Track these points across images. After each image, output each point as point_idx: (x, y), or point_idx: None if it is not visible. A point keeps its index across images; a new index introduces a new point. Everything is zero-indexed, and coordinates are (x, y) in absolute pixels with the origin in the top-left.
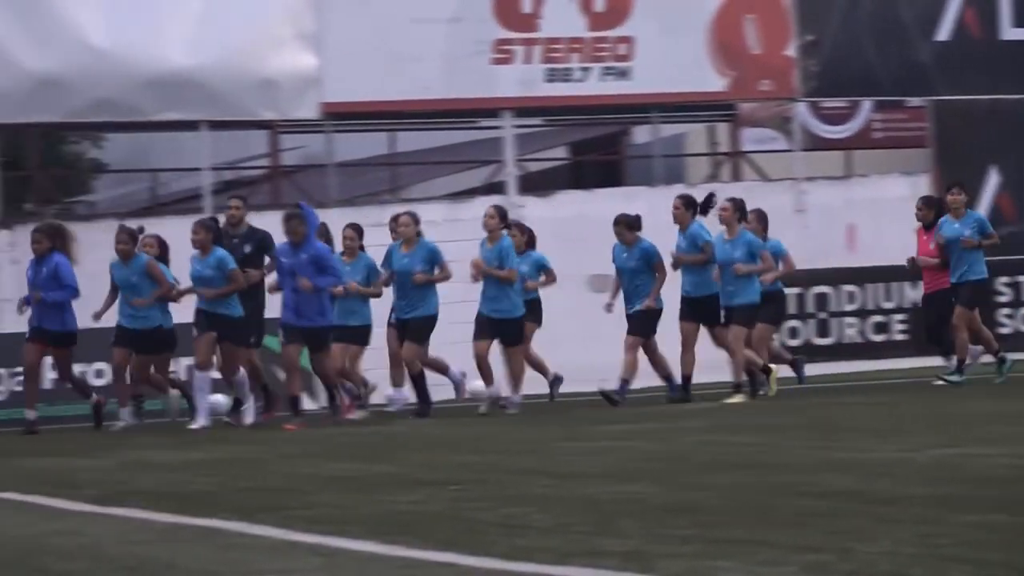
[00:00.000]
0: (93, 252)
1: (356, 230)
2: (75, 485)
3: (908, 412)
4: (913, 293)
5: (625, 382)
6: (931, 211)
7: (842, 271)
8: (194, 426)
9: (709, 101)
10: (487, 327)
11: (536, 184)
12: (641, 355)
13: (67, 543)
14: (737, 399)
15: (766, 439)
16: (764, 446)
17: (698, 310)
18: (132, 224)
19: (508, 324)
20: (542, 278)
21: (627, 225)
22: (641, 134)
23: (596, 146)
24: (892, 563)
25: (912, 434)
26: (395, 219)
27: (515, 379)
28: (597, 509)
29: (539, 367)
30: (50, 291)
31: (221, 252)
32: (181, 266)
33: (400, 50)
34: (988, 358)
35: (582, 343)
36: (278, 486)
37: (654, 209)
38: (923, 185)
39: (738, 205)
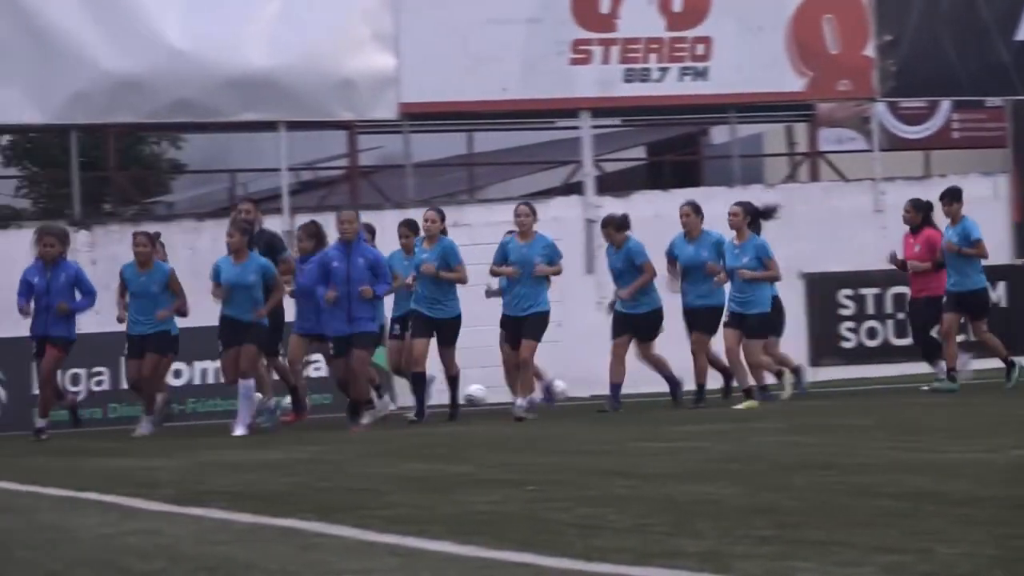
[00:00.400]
0: (171, 253)
1: (411, 228)
2: (154, 485)
3: (985, 413)
4: (993, 294)
5: (615, 387)
6: (919, 215)
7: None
8: (238, 432)
9: (787, 101)
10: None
11: (613, 184)
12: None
13: (145, 543)
14: (747, 404)
15: (843, 440)
16: (841, 447)
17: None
18: (150, 230)
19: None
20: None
21: (615, 226)
22: (719, 134)
23: (673, 146)
24: (971, 564)
25: (990, 435)
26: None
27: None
28: (674, 509)
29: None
30: (66, 298)
31: (263, 259)
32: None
33: (478, 50)
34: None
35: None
36: (356, 486)
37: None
38: (1003, 185)
39: (748, 209)
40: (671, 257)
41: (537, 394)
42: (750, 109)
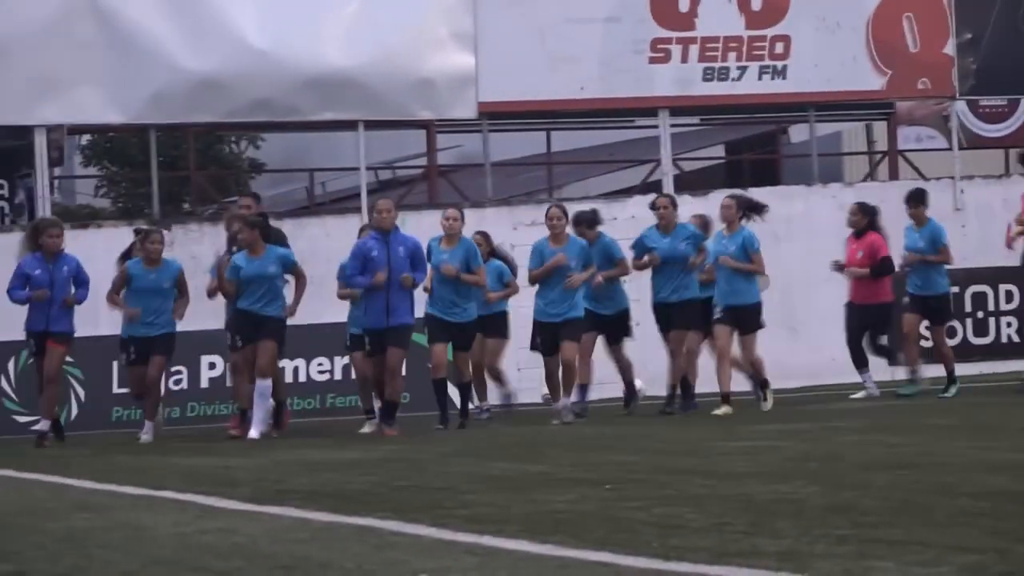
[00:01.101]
0: None
1: (484, 237)
2: (231, 484)
3: None
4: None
5: (583, 387)
6: (864, 218)
7: (1000, 270)
8: (253, 434)
9: (866, 100)
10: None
11: (692, 183)
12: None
13: (222, 542)
14: (768, 402)
15: (922, 439)
16: (921, 446)
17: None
18: (143, 226)
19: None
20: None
21: (587, 224)
22: (797, 133)
23: (752, 145)
24: None
25: None
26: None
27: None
28: (752, 508)
29: (498, 379)
30: (67, 291)
31: (281, 249)
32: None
33: (556, 49)
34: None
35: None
36: (433, 485)
37: (811, 209)
38: None
39: (741, 203)
40: (643, 250)
41: (494, 400)
42: (829, 108)
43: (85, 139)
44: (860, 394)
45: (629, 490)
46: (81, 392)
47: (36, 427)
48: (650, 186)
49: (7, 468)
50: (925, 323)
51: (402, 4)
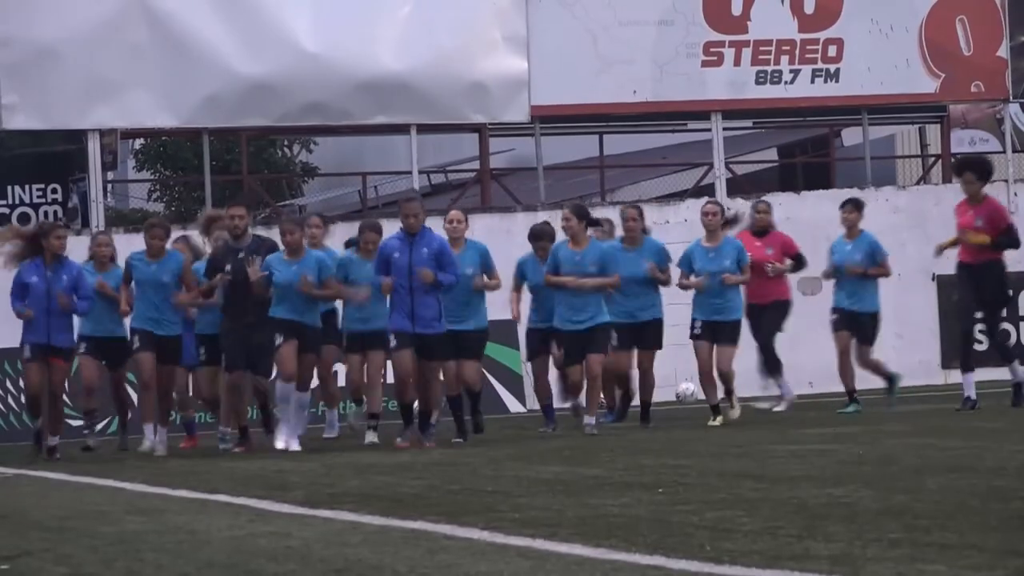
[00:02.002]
0: None
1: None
2: (284, 487)
3: None
4: None
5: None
6: (770, 216)
7: None
8: (280, 444)
9: (919, 103)
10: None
11: (745, 186)
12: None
13: (276, 545)
14: (781, 406)
15: (975, 443)
16: (974, 450)
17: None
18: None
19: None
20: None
21: (551, 239)
22: (850, 136)
23: (805, 148)
24: None
25: None
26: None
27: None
28: (805, 512)
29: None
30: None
31: (319, 253)
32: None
33: (609, 53)
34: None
35: (791, 345)
36: (486, 488)
37: (866, 212)
38: None
39: (728, 217)
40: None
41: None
42: (882, 111)
43: (138, 143)
44: (779, 406)
45: (681, 494)
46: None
47: (49, 443)
48: (703, 189)
49: (61, 472)
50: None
51: (455, 8)
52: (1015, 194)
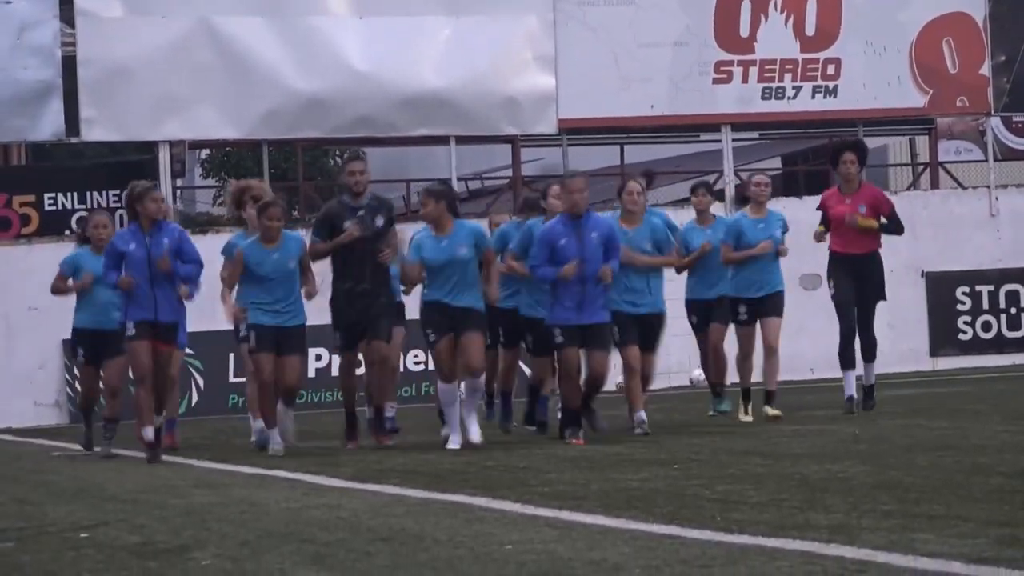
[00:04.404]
0: None
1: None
2: (336, 464)
3: None
4: None
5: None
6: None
7: None
8: (453, 444)
9: (910, 116)
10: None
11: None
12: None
13: (327, 516)
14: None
15: (960, 424)
16: (959, 430)
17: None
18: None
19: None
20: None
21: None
22: None
23: (806, 157)
24: None
25: None
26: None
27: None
28: (806, 486)
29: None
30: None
31: (472, 223)
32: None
33: (629, 71)
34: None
35: (793, 336)
36: (519, 465)
37: None
38: None
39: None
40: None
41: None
42: (876, 123)
43: (204, 153)
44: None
45: (694, 469)
46: (200, 381)
47: (146, 436)
48: (714, 195)
49: (134, 449)
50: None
51: (490, 30)
52: (996, 199)
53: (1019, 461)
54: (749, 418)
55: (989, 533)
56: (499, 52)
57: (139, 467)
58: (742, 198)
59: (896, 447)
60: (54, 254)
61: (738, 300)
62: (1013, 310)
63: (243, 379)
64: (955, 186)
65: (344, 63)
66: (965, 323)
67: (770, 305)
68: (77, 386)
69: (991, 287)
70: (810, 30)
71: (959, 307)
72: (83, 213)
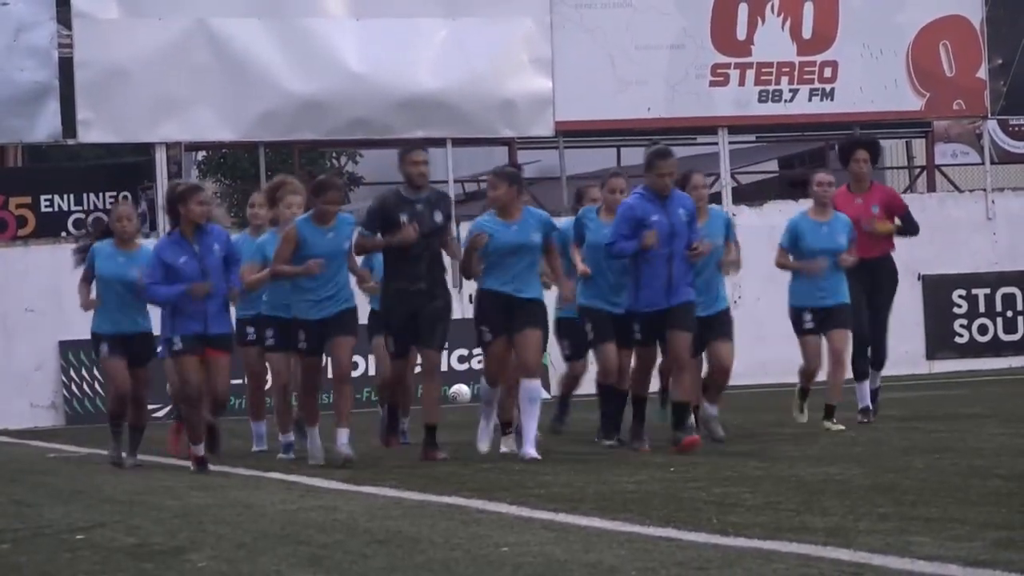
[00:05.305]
0: None
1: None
2: (332, 466)
3: None
4: None
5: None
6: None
7: None
8: (530, 452)
9: (906, 119)
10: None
11: (748, 195)
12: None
13: (324, 518)
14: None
15: (956, 427)
16: (955, 433)
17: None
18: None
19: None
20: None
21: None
22: None
23: (803, 160)
24: None
25: None
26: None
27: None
28: (803, 488)
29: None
30: (220, 277)
31: (543, 212)
32: None
33: (626, 74)
34: None
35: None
36: (515, 467)
37: None
38: None
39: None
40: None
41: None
42: (872, 126)
43: (201, 155)
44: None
45: (691, 472)
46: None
47: (196, 453)
48: (710, 197)
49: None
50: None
51: (487, 32)
52: (993, 202)
53: (1016, 464)
54: (804, 418)
55: (986, 536)
56: (496, 54)
57: (135, 469)
58: (799, 183)
59: (893, 450)
60: (51, 255)
61: (802, 309)
62: (1009, 313)
63: (240, 380)
64: (951, 189)
65: (341, 65)
66: (961, 326)
67: (838, 316)
68: (100, 389)
69: (987, 290)
70: (807, 33)
71: (955, 310)
72: (79, 215)
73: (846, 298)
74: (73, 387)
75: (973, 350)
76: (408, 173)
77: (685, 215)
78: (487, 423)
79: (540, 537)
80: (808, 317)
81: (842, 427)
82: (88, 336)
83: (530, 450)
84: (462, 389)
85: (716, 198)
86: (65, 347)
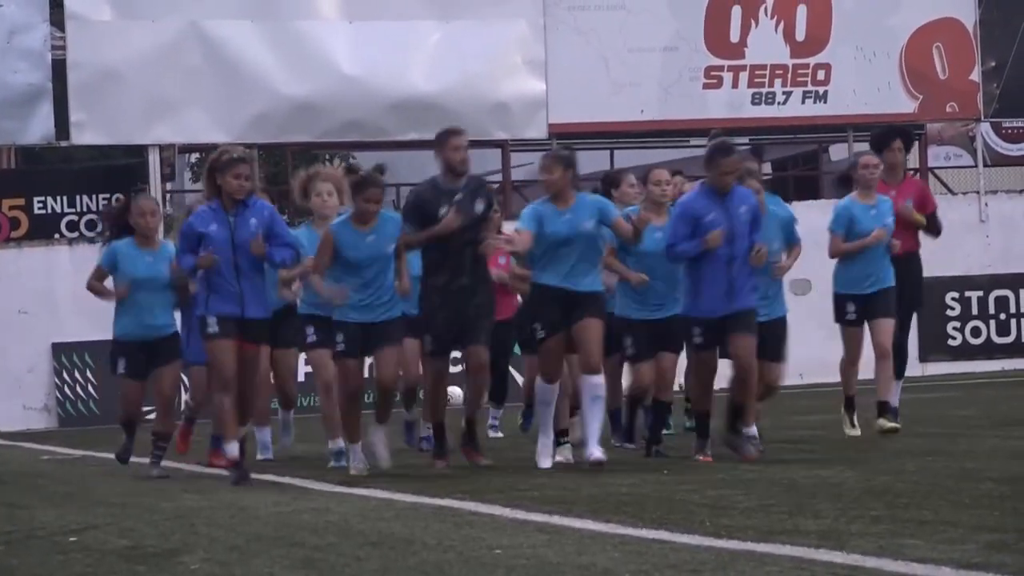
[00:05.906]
0: None
1: None
2: (325, 468)
3: None
4: None
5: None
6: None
7: (1020, 276)
8: (597, 454)
9: (900, 121)
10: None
11: None
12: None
13: (317, 520)
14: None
15: (949, 430)
16: (948, 436)
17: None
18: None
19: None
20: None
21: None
22: (837, 152)
23: (796, 163)
24: None
25: None
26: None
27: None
28: (796, 491)
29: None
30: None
31: (598, 196)
32: None
33: (619, 76)
34: None
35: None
36: (508, 469)
37: None
38: None
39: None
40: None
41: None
42: (866, 129)
43: (194, 157)
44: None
45: (684, 474)
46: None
47: (229, 454)
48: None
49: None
50: None
51: (480, 35)
52: (986, 204)
53: (1008, 467)
54: (856, 431)
55: (978, 539)
56: (489, 56)
57: (127, 471)
58: (845, 179)
59: (885, 453)
60: (44, 257)
61: (846, 297)
62: (1002, 316)
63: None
64: (945, 192)
65: (334, 67)
66: (955, 329)
67: (882, 304)
68: (117, 403)
69: (980, 293)
70: (800, 35)
71: (949, 313)
72: (72, 217)
73: (892, 281)
74: (66, 389)
75: (966, 352)
76: (448, 159)
77: (747, 213)
78: (547, 435)
79: (533, 539)
80: (852, 308)
81: (897, 425)
82: (81, 339)
83: (595, 451)
84: (455, 391)
85: None
86: (58, 349)
